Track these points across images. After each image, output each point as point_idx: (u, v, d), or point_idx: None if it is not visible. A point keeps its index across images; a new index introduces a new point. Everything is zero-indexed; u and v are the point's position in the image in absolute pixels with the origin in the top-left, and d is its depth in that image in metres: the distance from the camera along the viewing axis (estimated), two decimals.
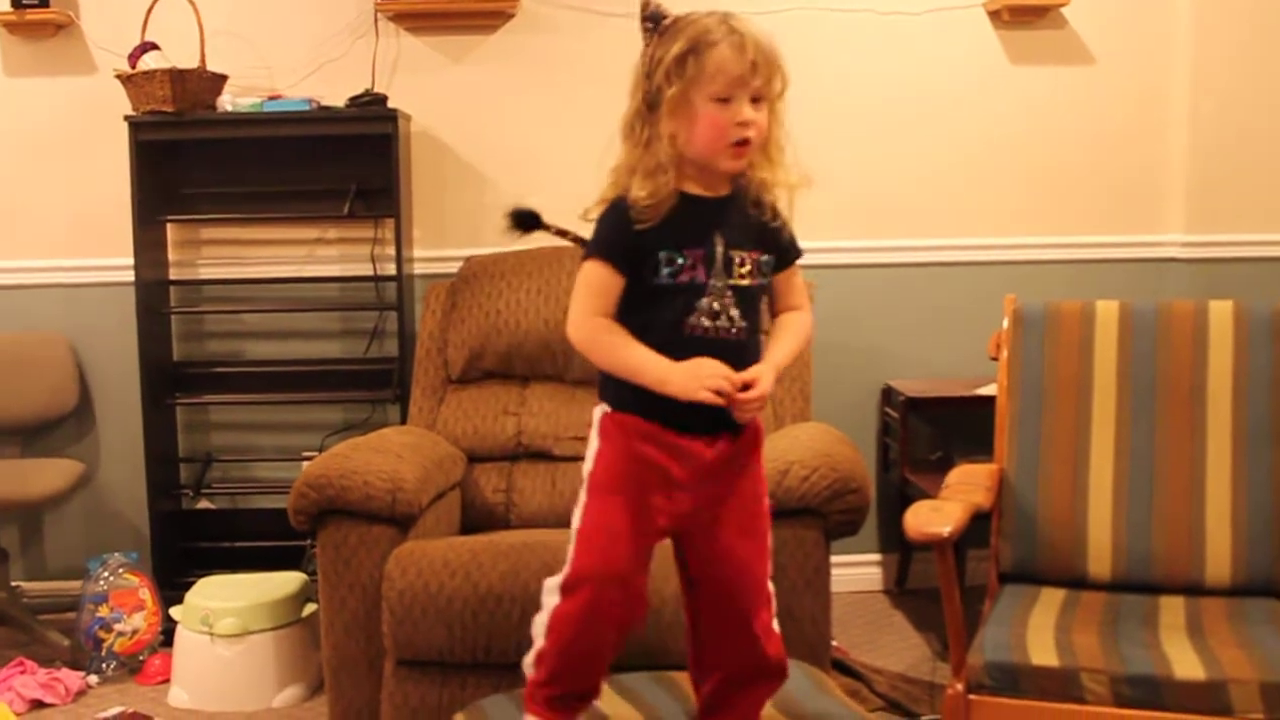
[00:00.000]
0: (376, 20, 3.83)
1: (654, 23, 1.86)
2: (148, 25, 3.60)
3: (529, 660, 1.91)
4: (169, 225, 3.89)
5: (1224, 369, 2.61)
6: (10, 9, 3.75)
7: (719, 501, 1.90)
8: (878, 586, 4.04)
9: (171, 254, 3.91)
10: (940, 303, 3.94)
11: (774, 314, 2.02)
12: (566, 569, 1.87)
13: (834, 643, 2.97)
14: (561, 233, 2.08)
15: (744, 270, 1.88)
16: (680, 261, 1.85)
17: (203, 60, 3.62)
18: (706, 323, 1.86)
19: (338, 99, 3.71)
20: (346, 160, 3.80)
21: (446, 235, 3.88)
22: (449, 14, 3.81)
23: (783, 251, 1.96)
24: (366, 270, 3.87)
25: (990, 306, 3.04)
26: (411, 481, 2.72)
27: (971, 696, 2.15)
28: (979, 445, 3.08)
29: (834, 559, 2.63)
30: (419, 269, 3.87)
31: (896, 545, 3.99)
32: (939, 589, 2.30)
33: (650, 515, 1.87)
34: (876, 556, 4.04)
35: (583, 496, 1.91)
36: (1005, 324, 2.76)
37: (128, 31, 3.65)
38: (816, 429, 2.91)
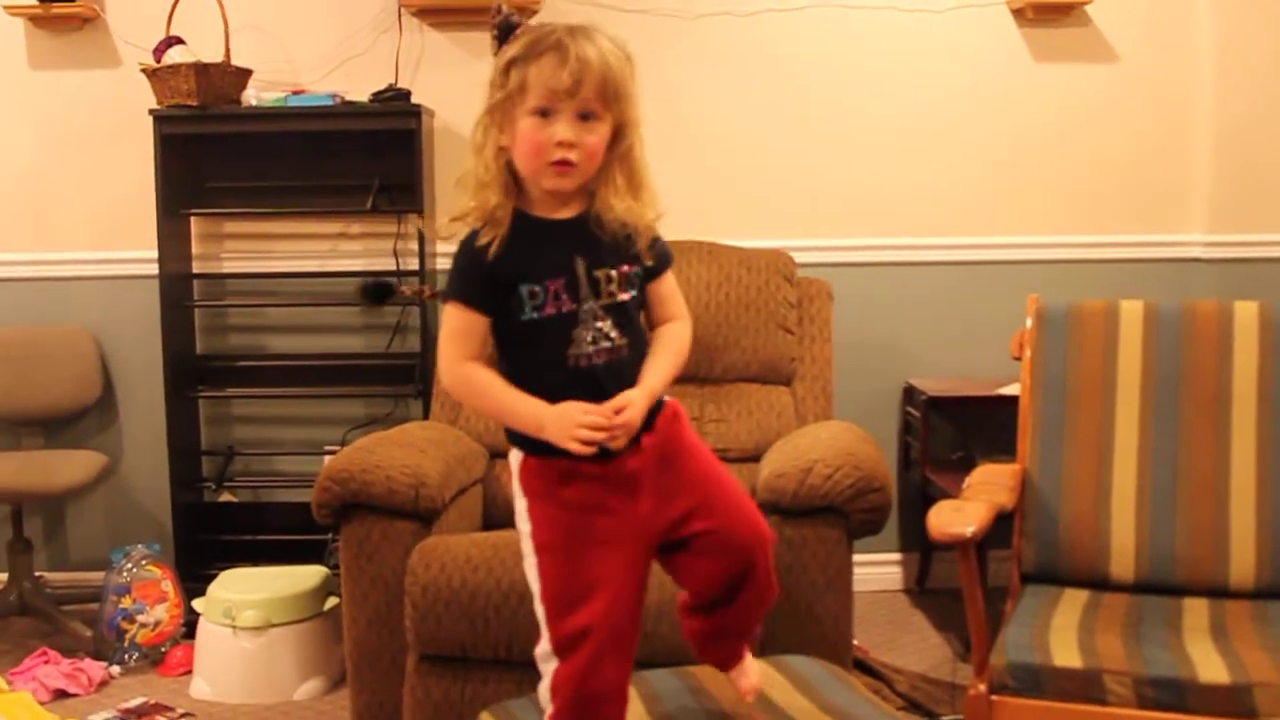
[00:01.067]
0: (400, 16, 3.84)
1: (503, 32, 1.77)
2: (173, 19, 3.63)
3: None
4: (193, 219, 3.91)
5: (1249, 369, 2.60)
6: (36, 2, 3.76)
7: (675, 490, 1.80)
8: (898, 586, 4.04)
9: (195, 247, 3.93)
10: (962, 302, 3.94)
11: (650, 326, 1.89)
12: (546, 637, 1.79)
13: (855, 642, 2.97)
14: (418, 293, 2.01)
15: (613, 288, 1.77)
16: (541, 295, 1.75)
17: (227, 55, 3.64)
18: (589, 349, 1.76)
19: (361, 94, 3.72)
20: (370, 155, 3.81)
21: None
22: (472, 9, 3.81)
23: (651, 262, 1.83)
24: (389, 265, 3.88)
25: (1013, 306, 3.04)
26: (434, 476, 2.72)
27: (994, 697, 2.15)
28: (1001, 445, 3.08)
29: (855, 558, 2.63)
30: (441, 264, 3.87)
31: (917, 545, 3.98)
32: (960, 589, 2.30)
33: (607, 545, 1.77)
34: (897, 556, 4.04)
35: (530, 558, 1.81)
36: (1028, 323, 2.75)
37: (153, 25, 3.66)
38: (839, 427, 2.91)
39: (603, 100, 1.72)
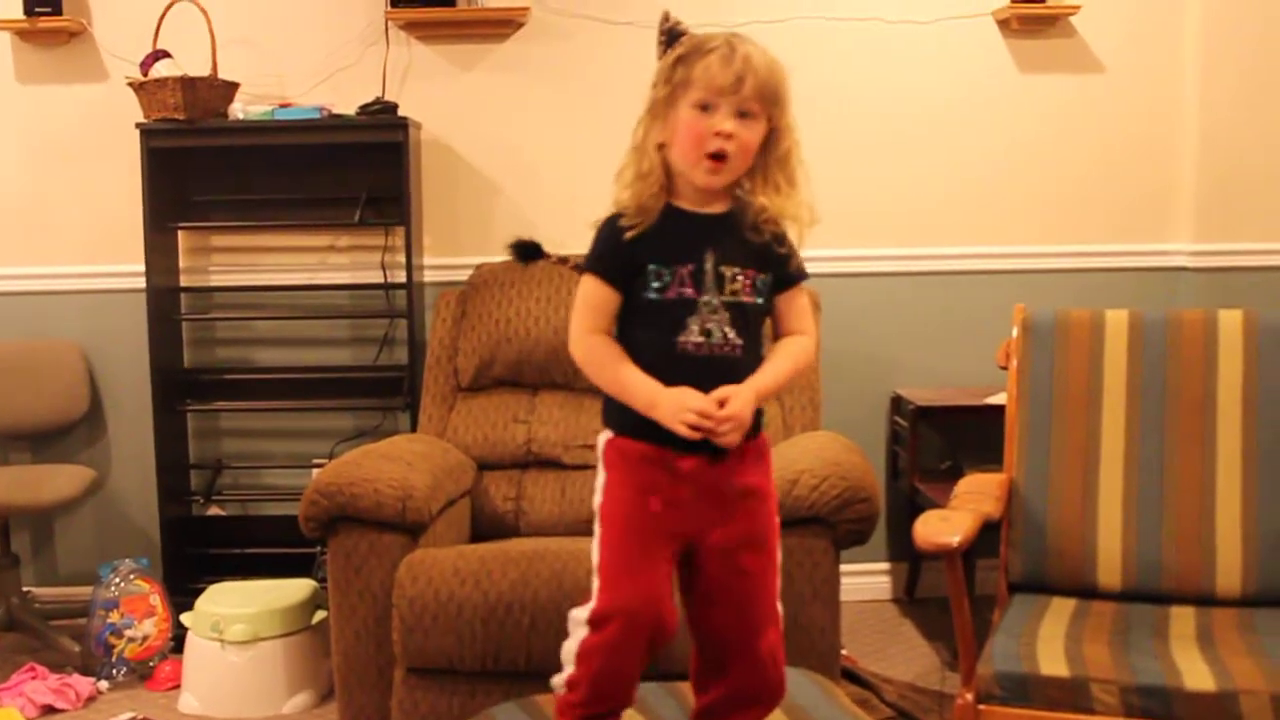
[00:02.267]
0: (387, 29, 3.85)
1: (669, 37, 1.86)
2: (159, 33, 3.62)
3: (560, 681, 1.87)
4: (180, 232, 3.90)
5: (1234, 378, 2.61)
6: (23, 16, 3.76)
7: (728, 518, 1.87)
8: (887, 595, 4.04)
9: (183, 261, 3.93)
10: (949, 311, 3.94)
11: (775, 337, 1.97)
12: (593, 603, 1.84)
13: (843, 652, 2.97)
14: (562, 260, 2.07)
15: (737, 287, 1.85)
16: (668, 276, 1.83)
17: (214, 68, 3.64)
18: (698, 339, 1.83)
19: (348, 107, 3.72)
20: (357, 168, 3.82)
21: (457, 243, 3.89)
22: (460, 23, 3.82)
23: (783, 272, 1.92)
24: (377, 278, 3.88)
25: (1000, 315, 3.05)
26: (422, 489, 2.73)
27: (981, 706, 2.15)
28: (988, 454, 3.08)
29: (843, 568, 2.63)
30: (429, 276, 3.88)
31: (906, 554, 3.99)
32: (948, 598, 2.30)
33: (664, 539, 1.85)
34: (885, 565, 4.04)
35: (597, 529, 1.88)
36: (1015, 333, 2.76)
37: (140, 39, 3.66)
38: (825, 438, 2.91)
39: (760, 101, 1.80)
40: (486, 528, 3.14)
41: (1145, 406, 2.64)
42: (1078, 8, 3.80)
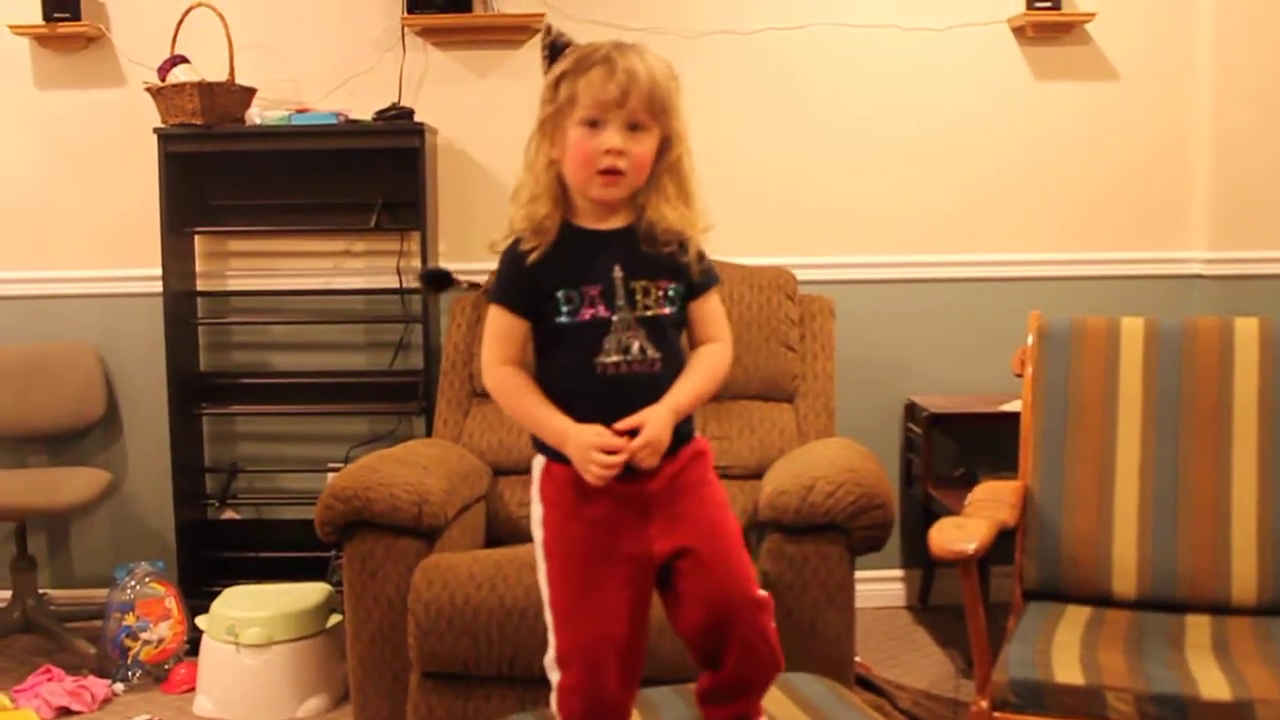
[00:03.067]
0: (404, 35, 3.86)
1: (552, 50, 1.81)
2: (177, 38, 3.64)
3: None
4: (197, 237, 3.92)
5: (1250, 386, 2.61)
6: (42, 22, 3.79)
7: (670, 524, 1.81)
8: (901, 602, 4.04)
9: (199, 265, 3.95)
10: (964, 318, 3.94)
11: (691, 346, 1.91)
12: (552, 646, 1.81)
13: (857, 658, 2.97)
14: (473, 285, 2.06)
15: (650, 301, 1.80)
16: (577, 299, 1.78)
17: (231, 74, 3.66)
18: (616, 358, 1.78)
19: (365, 112, 3.73)
20: (373, 173, 3.83)
21: (472, 248, 3.90)
22: (475, 29, 3.84)
23: (693, 279, 1.86)
24: (393, 283, 3.89)
25: (1014, 323, 3.05)
26: (438, 494, 2.73)
27: (996, 714, 2.16)
28: (1002, 462, 3.08)
29: (857, 575, 2.63)
30: None
31: (919, 561, 3.99)
32: (962, 605, 2.30)
33: (610, 563, 1.80)
34: (899, 572, 4.04)
35: (542, 566, 1.84)
36: (1030, 340, 2.76)
37: (158, 45, 3.68)
38: (840, 444, 2.92)
39: (650, 112, 1.77)
40: (501, 533, 3.14)
41: (1160, 414, 2.64)
42: (1093, 15, 3.80)
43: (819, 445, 2.98)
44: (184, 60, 3.63)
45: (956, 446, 3.83)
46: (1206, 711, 2.04)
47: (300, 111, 3.74)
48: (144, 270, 3.84)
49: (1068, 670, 2.14)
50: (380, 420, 3.94)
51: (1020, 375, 2.77)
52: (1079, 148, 3.92)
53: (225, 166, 3.87)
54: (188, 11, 3.64)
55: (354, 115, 3.73)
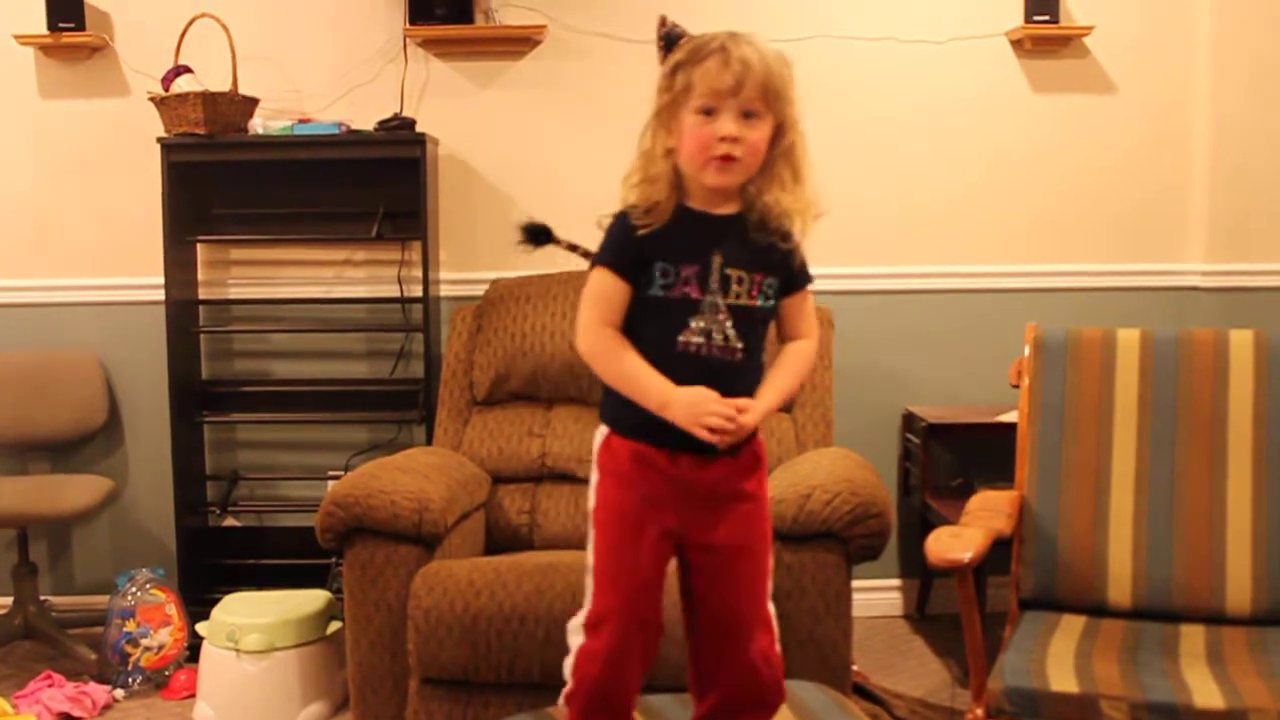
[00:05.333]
0: (405, 45, 3.89)
1: (667, 41, 1.86)
2: (181, 49, 3.66)
3: (561, 701, 1.90)
4: (199, 245, 3.94)
5: (1245, 397, 2.63)
6: (46, 32, 3.81)
7: (718, 520, 1.87)
8: (898, 612, 4.05)
9: (201, 274, 3.96)
10: (961, 329, 3.96)
11: (780, 340, 1.97)
12: (588, 607, 1.86)
13: (854, 667, 2.99)
14: (572, 247, 2.08)
15: (742, 289, 1.85)
16: (673, 275, 1.83)
17: (234, 84, 3.68)
18: (698, 340, 1.83)
19: (367, 123, 3.75)
20: (375, 183, 3.85)
21: (473, 258, 3.92)
22: (477, 40, 3.86)
23: (790, 275, 1.91)
24: (393, 292, 3.92)
25: (1011, 333, 3.07)
26: (438, 501, 2.75)
27: None
28: (999, 472, 3.10)
29: (854, 584, 2.65)
30: (445, 291, 3.91)
31: (917, 571, 4.00)
32: (959, 615, 2.32)
33: (655, 539, 1.85)
34: (896, 582, 4.05)
35: (591, 533, 1.89)
36: (1026, 351, 2.78)
37: (161, 55, 3.70)
38: (838, 454, 2.93)
39: (764, 100, 1.80)
40: (501, 540, 3.16)
41: (1156, 425, 2.66)
42: (1090, 29, 3.83)
43: (816, 455, 2.99)
44: (187, 70, 3.65)
45: (954, 457, 3.85)
46: None
47: (303, 121, 3.76)
48: (146, 279, 3.86)
49: (1063, 679, 2.16)
50: (380, 428, 3.96)
51: (1017, 386, 2.79)
52: (1077, 160, 3.94)
53: (228, 176, 3.88)
54: (191, 22, 3.67)
55: (356, 125, 3.75)
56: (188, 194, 3.80)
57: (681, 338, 1.83)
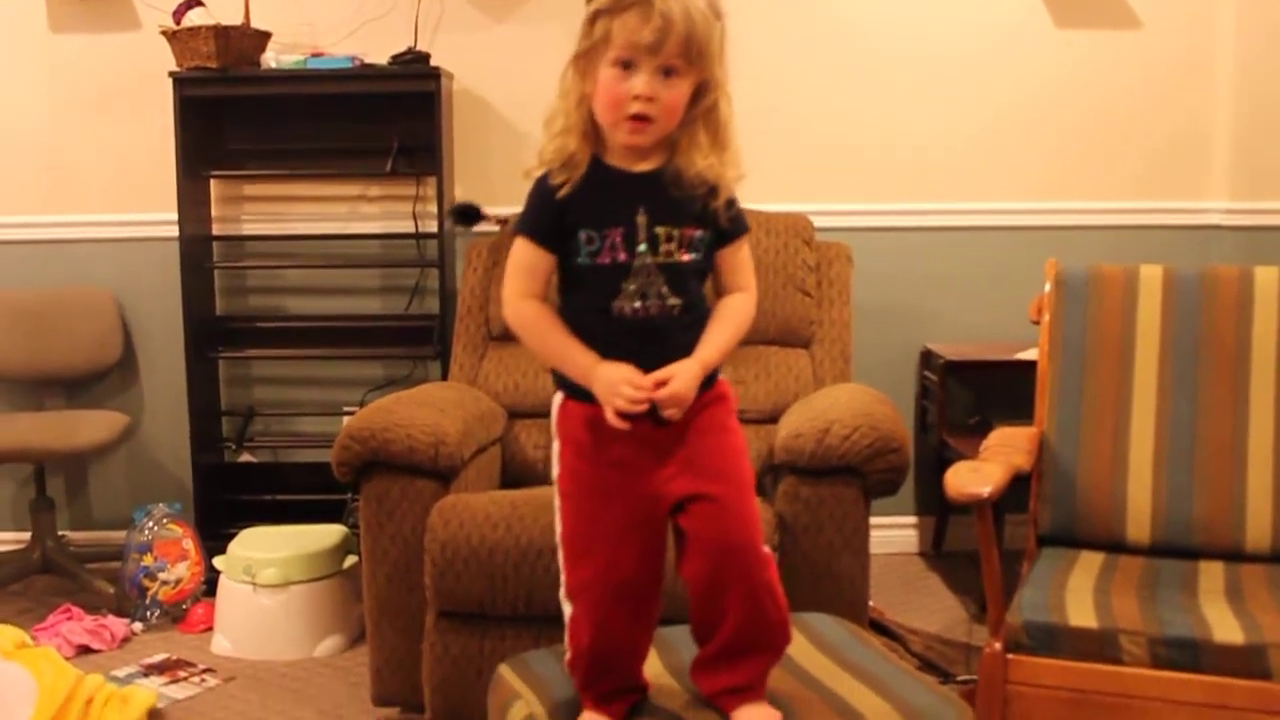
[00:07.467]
0: None
1: None
2: None
3: (565, 669, 1.88)
4: (213, 181, 3.92)
5: (1268, 335, 2.60)
6: None
7: (685, 465, 1.80)
8: (914, 549, 4.06)
9: (215, 209, 3.95)
10: (981, 266, 3.93)
11: (717, 294, 1.89)
12: (563, 579, 1.84)
13: (870, 603, 2.99)
14: (502, 221, 2.04)
15: (672, 246, 1.77)
16: (599, 241, 1.76)
17: (247, 17, 3.64)
18: (635, 304, 1.76)
19: (380, 57, 3.71)
20: (389, 118, 3.82)
21: (488, 193, 3.88)
22: None
23: (721, 227, 1.83)
24: (408, 227, 3.89)
25: (1031, 271, 3.04)
26: (454, 435, 2.74)
27: (1009, 656, 2.17)
28: (1017, 410, 3.08)
29: (872, 521, 2.64)
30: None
31: (933, 508, 4.00)
32: (975, 552, 2.31)
33: (624, 502, 1.79)
34: (913, 519, 4.05)
35: (557, 502, 1.85)
36: (1047, 288, 2.75)
37: None
38: (856, 389, 2.92)
39: (685, 57, 1.72)
40: (517, 475, 3.16)
41: (1178, 362, 2.63)
42: None
43: (835, 390, 2.98)
44: (199, 3, 3.61)
45: (972, 394, 3.83)
46: (1219, 654, 2.05)
47: (316, 55, 3.72)
48: (160, 214, 3.84)
49: (1082, 613, 2.15)
50: (396, 364, 3.96)
51: (1037, 323, 2.76)
52: (1099, 95, 3.89)
53: (241, 110, 3.86)
54: None
55: (370, 59, 3.71)
56: (200, 129, 3.77)
57: (617, 303, 1.77)
